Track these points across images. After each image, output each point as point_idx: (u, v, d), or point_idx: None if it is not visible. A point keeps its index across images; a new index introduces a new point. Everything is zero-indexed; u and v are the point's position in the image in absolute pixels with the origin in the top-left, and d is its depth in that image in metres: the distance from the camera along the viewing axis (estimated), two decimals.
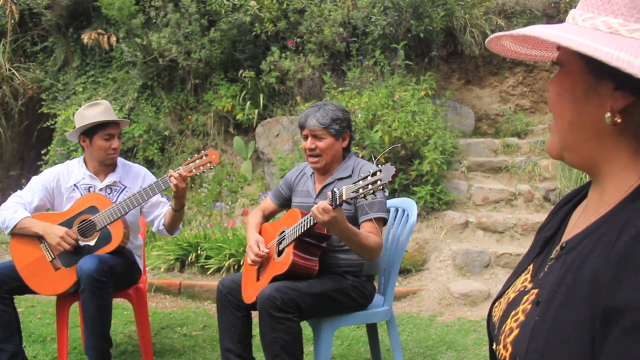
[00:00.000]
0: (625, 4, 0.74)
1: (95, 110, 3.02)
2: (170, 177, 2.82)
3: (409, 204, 2.88)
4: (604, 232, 0.76)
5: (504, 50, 0.94)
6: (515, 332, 0.83)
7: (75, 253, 2.82)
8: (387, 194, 2.52)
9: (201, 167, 2.88)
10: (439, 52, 6.53)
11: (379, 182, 2.03)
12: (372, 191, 2.05)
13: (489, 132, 6.71)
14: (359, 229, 2.48)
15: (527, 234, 4.87)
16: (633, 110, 0.76)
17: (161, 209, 3.14)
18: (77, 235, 2.85)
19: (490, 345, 0.97)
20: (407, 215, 2.84)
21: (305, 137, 2.65)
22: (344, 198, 2.13)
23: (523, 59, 0.94)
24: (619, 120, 0.76)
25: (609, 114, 0.76)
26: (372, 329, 2.94)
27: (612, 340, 0.67)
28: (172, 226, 3.09)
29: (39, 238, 2.87)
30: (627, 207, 0.76)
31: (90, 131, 3.01)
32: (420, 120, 5.20)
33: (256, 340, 2.85)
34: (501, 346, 0.86)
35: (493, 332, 0.95)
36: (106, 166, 3.10)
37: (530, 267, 0.94)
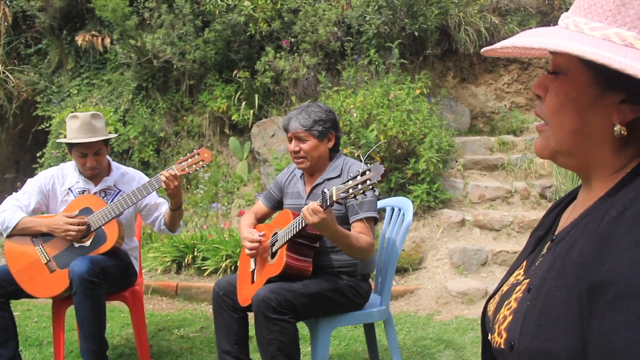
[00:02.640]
0: (639, 17, 0.74)
1: (72, 124, 2.99)
2: (160, 175, 2.82)
3: (404, 203, 2.88)
4: (589, 221, 0.79)
5: (493, 52, 0.94)
6: (509, 319, 0.86)
7: (70, 255, 2.81)
8: (377, 193, 2.52)
9: (194, 166, 2.88)
10: (434, 51, 6.53)
11: (368, 182, 2.02)
12: (362, 191, 2.04)
13: (485, 130, 6.71)
14: (350, 228, 2.48)
15: (524, 231, 4.88)
16: (638, 121, 0.77)
17: (160, 209, 3.14)
18: (77, 217, 2.83)
19: (484, 337, 0.99)
20: (403, 214, 2.83)
21: (290, 140, 2.66)
22: (334, 199, 2.12)
23: (510, 56, 0.94)
24: (625, 133, 0.77)
25: (618, 126, 0.77)
26: (369, 329, 2.93)
27: (598, 313, 0.69)
28: (172, 225, 3.09)
29: (34, 240, 2.86)
30: (610, 197, 0.79)
31: (68, 144, 3.02)
32: (416, 118, 5.20)
33: (253, 342, 2.84)
34: (496, 334, 0.88)
35: (488, 325, 0.97)
36: (93, 176, 3.08)
37: (524, 263, 0.96)
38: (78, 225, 2.81)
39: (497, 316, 0.90)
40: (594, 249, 0.72)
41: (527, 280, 0.87)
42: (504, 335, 0.85)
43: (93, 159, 3.00)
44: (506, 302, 0.89)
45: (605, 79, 0.77)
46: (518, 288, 0.88)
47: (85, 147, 2.98)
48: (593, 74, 0.79)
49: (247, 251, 2.57)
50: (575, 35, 0.78)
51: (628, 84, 0.70)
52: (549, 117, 0.85)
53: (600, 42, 0.75)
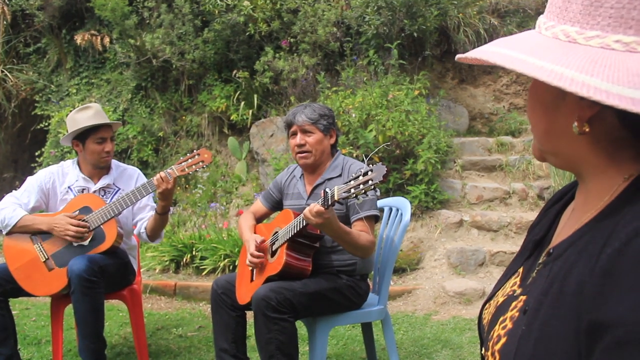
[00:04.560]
0: (580, 11, 0.74)
1: (86, 114, 3.01)
2: (155, 177, 2.83)
3: (402, 203, 2.89)
4: (588, 240, 0.76)
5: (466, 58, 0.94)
6: (503, 340, 0.83)
7: (69, 253, 2.82)
8: (378, 193, 2.53)
9: (193, 166, 2.88)
10: (433, 52, 6.54)
11: (370, 182, 2.03)
12: (363, 191, 2.05)
13: (483, 131, 6.72)
14: (351, 227, 2.49)
15: (522, 232, 4.89)
16: (604, 117, 0.75)
17: (146, 212, 3.11)
18: (77, 218, 2.84)
19: (482, 348, 0.97)
20: (401, 214, 2.84)
21: (294, 134, 2.66)
22: (335, 198, 2.13)
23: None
24: (587, 130, 0.76)
25: (576, 124, 0.76)
26: (367, 328, 2.94)
27: (597, 356, 0.67)
28: (153, 231, 3.04)
29: (33, 238, 2.86)
30: (611, 214, 0.76)
31: (82, 135, 3.00)
32: (414, 119, 5.21)
33: (251, 341, 2.85)
34: (489, 353, 0.86)
35: (482, 336, 0.95)
36: (100, 169, 3.09)
37: (520, 270, 0.94)
38: (78, 226, 2.82)
39: (492, 333, 0.88)
40: (595, 285, 0.69)
41: (523, 297, 0.85)
42: (497, 357, 0.83)
43: (110, 143, 3.05)
44: (501, 318, 0.87)
45: None
46: (514, 304, 0.86)
47: (106, 130, 3.02)
48: None
49: (247, 262, 2.58)
50: (528, 37, 0.79)
51: None
52: (528, 117, 0.87)
53: (546, 42, 0.76)
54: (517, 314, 0.84)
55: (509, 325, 0.84)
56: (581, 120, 0.76)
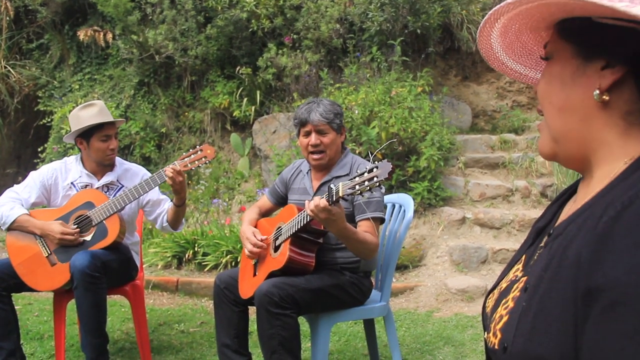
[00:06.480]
0: None
1: (90, 112, 3.00)
2: (165, 171, 2.82)
3: (405, 200, 2.89)
4: (587, 216, 0.77)
5: (493, 57, 0.95)
6: (505, 318, 0.84)
7: (71, 248, 2.82)
8: (384, 190, 2.51)
9: (196, 162, 2.88)
10: (436, 49, 6.53)
11: (375, 179, 2.02)
12: (368, 188, 2.03)
13: (486, 129, 6.71)
14: (356, 227, 2.48)
15: (524, 229, 4.88)
16: (622, 88, 0.78)
17: (163, 206, 3.14)
18: (73, 229, 2.84)
19: (485, 333, 0.98)
20: (404, 211, 2.84)
21: (307, 134, 2.61)
22: (340, 194, 2.12)
23: (505, 74, 1.02)
24: (606, 98, 0.78)
25: (597, 91, 0.78)
26: (369, 325, 2.94)
27: (593, 319, 0.68)
28: (175, 222, 3.10)
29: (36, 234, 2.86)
30: (610, 191, 0.78)
31: (87, 133, 3.00)
32: (417, 116, 5.20)
33: (253, 337, 2.85)
34: (491, 334, 0.87)
35: (485, 322, 0.96)
36: (104, 166, 3.10)
37: (523, 258, 0.95)
38: (67, 234, 2.83)
39: (494, 315, 0.89)
40: (591, 251, 0.70)
41: (524, 278, 0.86)
42: (499, 336, 0.84)
43: (115, 141, 3.06)
44: (504, 300, 0.88)
45: (585, 48, 0.80)
46: (516, 286, 0.87)
47: (110, 128, 3.02)
48: (574, 46, 0.82)
49: (247, 252, 2.58)
50: None
51: (608, 48, 0.72)
52: (541, 103, 0.88)
53: None
54: (518, 294, 0.85)
55: (511, 305, 0.85)
56: (602, 89, 0.78)
